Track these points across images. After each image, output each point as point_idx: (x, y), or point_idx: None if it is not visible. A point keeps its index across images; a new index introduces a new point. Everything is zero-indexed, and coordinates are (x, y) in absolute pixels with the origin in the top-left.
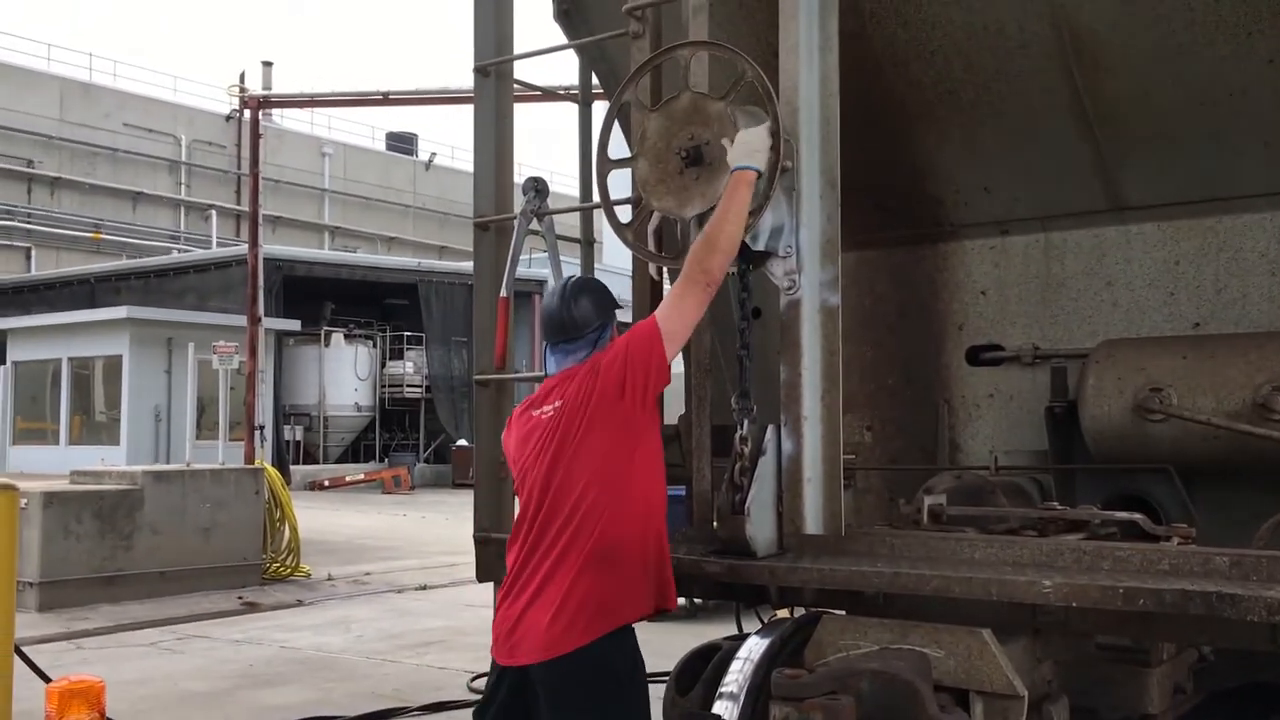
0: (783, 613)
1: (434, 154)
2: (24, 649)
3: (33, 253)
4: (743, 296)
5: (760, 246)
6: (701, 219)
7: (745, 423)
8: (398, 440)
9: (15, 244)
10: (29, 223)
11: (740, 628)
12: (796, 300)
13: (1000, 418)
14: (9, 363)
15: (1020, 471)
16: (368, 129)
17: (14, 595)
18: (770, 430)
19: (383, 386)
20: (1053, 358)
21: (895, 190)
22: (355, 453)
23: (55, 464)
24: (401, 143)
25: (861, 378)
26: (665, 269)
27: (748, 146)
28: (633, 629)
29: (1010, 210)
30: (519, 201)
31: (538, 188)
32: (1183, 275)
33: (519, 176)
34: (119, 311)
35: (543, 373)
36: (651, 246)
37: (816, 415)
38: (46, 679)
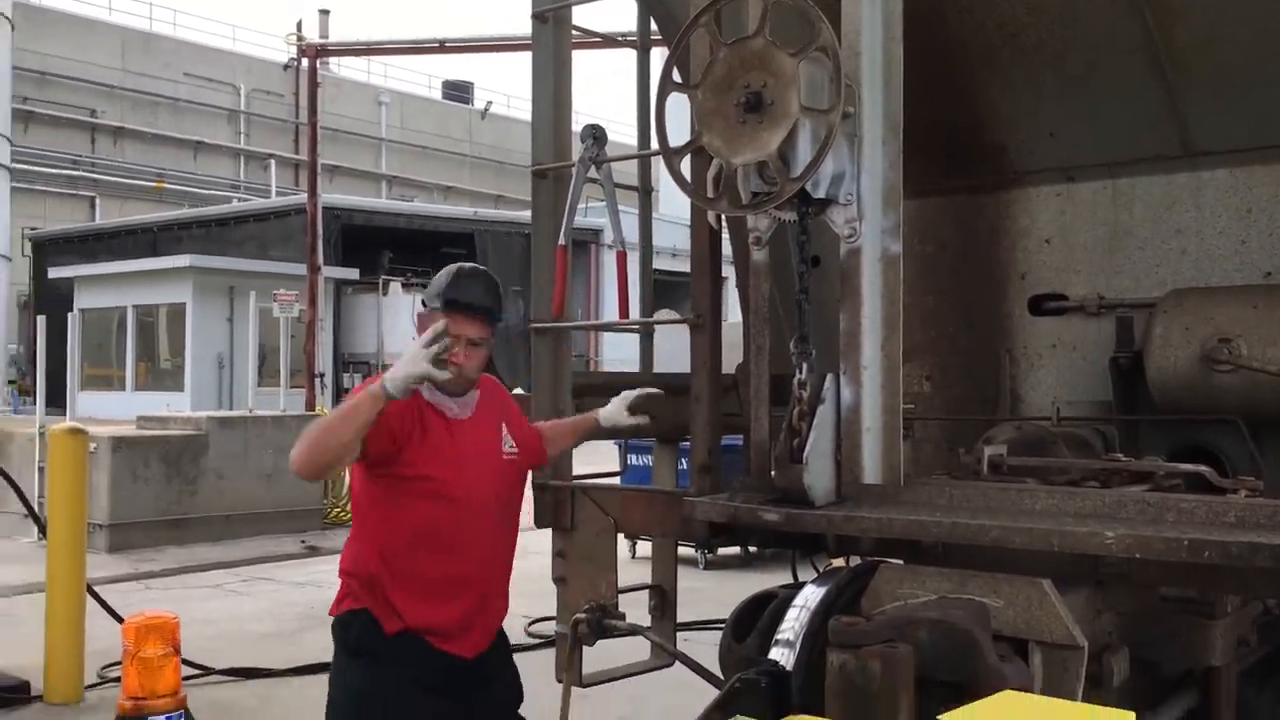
0: (838, 562)
1: (490, 102)
2: (95, 588)
3: (97, 202)
4: (802, 240)
5: (821, 194)
6: (751, 168)
7: (804, 367)
8: None
9: (80, 193)
10: (93, 172)
11: (795, 577)
12: (857, 248)
13: (1063, 368)
14: (76, 310)
15: (1083, 423)
16: (424, 77)
17: (84, 536)
18: (829, 379)
19: None
20: (1118, 307)
21: (958, 136)
22: None
23: (122, 410)
24: (458, 91)
25: (922, 327)
26: (724, 217)
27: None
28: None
29: (1076, 156)
30: (577, 149)
31: (596, 135)
32: (1255, 223)
33: (576, 124)
34: (182, 260)
35: (598, 321)
36: (710, 193)
37: (876, 364)
38: (118, 617)
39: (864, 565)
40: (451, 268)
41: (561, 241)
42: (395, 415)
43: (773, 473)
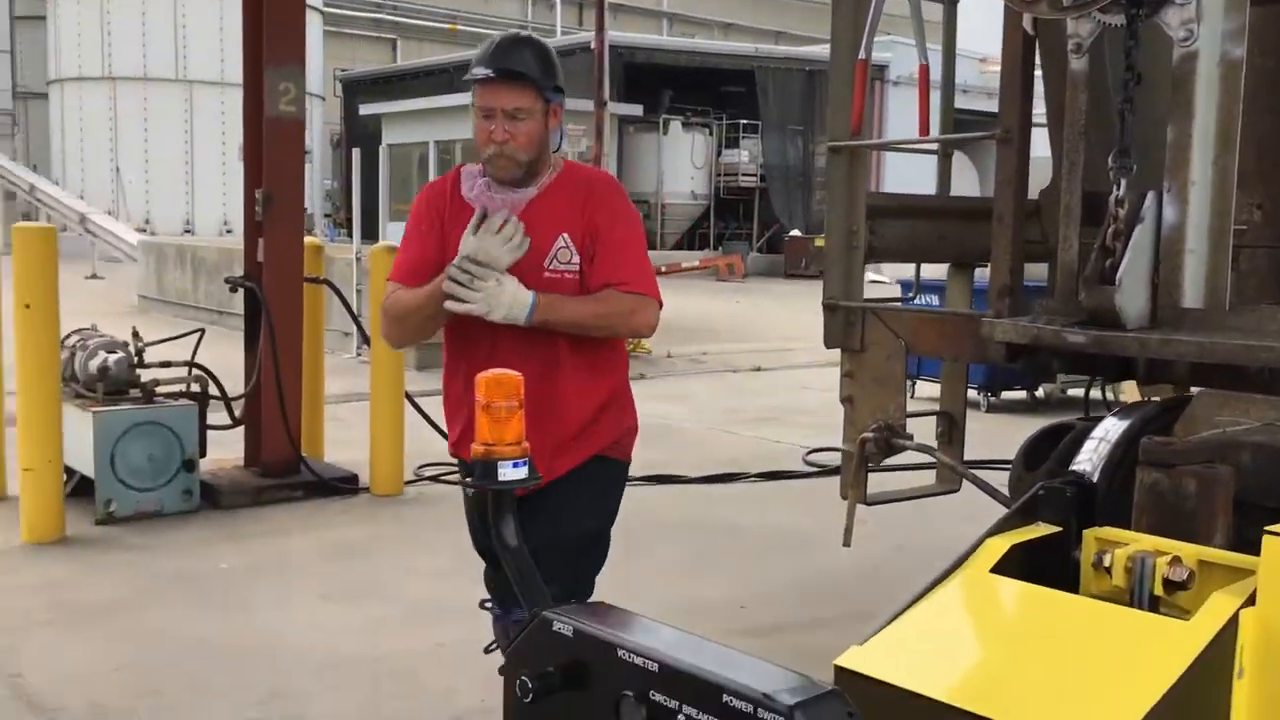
0: (1133, 399)
1: None
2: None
3: (398, 44)
4: (1129, 45)
5: None
6: None
7: (1122, 183)
8: (731, 229)
9: (383, 35)
10: (394, 15)
11: (1088, 413)
12: (1193, 53)
13: None
14: (385, 144)
15: None
16: None
17: (404, 351)
18: (1150, 196)
19: (718, 175)
20: None
21: None
22: (690, 240)
23: None
24: None
25: (1256, 150)
26: (1039, 23)
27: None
28: None
29: None
30: None
31: None
32: None
33: None
34: None
35: (886, 140)
36: None
37: (1206, 180)
38: (432, 423)
39: (1173, 399)
40: (492, 37)
41: (862, 55)
42: (428, 225)
43: (1080, 295)
